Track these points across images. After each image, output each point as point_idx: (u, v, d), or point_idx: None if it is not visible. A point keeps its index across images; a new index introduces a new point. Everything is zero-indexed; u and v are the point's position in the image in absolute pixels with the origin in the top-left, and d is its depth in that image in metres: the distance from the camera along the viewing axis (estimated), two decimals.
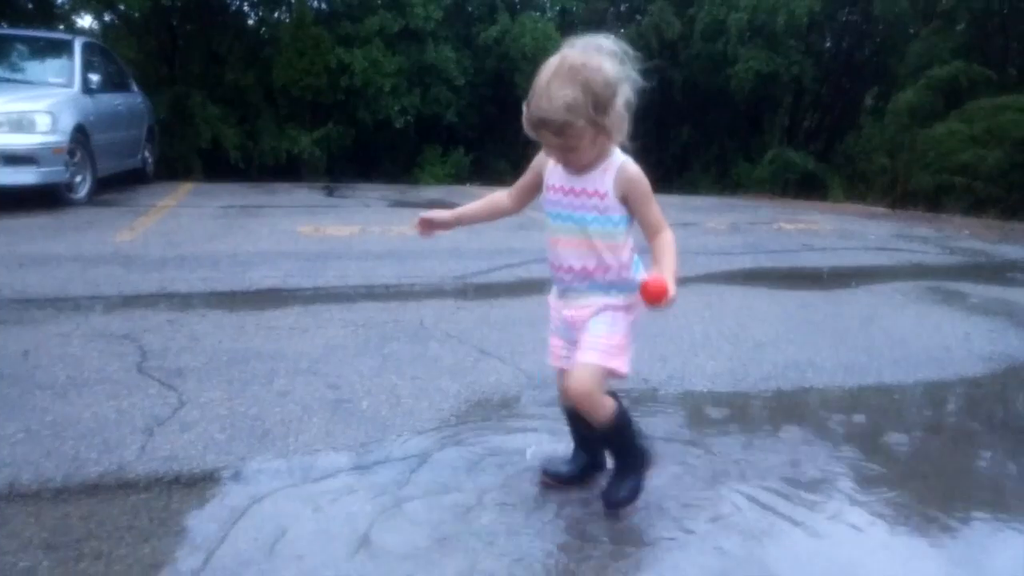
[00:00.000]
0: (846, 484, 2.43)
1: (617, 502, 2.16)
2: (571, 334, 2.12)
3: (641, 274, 2.05)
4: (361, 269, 5.24)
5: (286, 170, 14.03)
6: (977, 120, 12.86)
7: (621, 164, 1.98)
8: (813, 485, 2.41)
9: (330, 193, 10.54)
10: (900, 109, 14.16)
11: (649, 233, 2.04)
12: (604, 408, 2.05)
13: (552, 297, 2.18)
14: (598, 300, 2.06)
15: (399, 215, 8.34)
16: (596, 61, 1.85)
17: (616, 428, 2.09)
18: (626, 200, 1.99)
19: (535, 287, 4.97)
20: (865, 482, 2.45)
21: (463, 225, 2.29)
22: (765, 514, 2.21)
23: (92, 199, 7.94)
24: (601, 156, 1.97)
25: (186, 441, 2.52)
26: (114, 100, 9.14)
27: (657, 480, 2.34)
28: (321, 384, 3.07)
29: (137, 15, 14.71)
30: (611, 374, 2.04)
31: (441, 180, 14.58)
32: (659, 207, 2.03)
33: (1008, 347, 3.99)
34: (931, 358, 3.78)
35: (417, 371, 3.27)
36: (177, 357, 3.32)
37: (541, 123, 1.87)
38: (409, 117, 14.73)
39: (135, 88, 10.52)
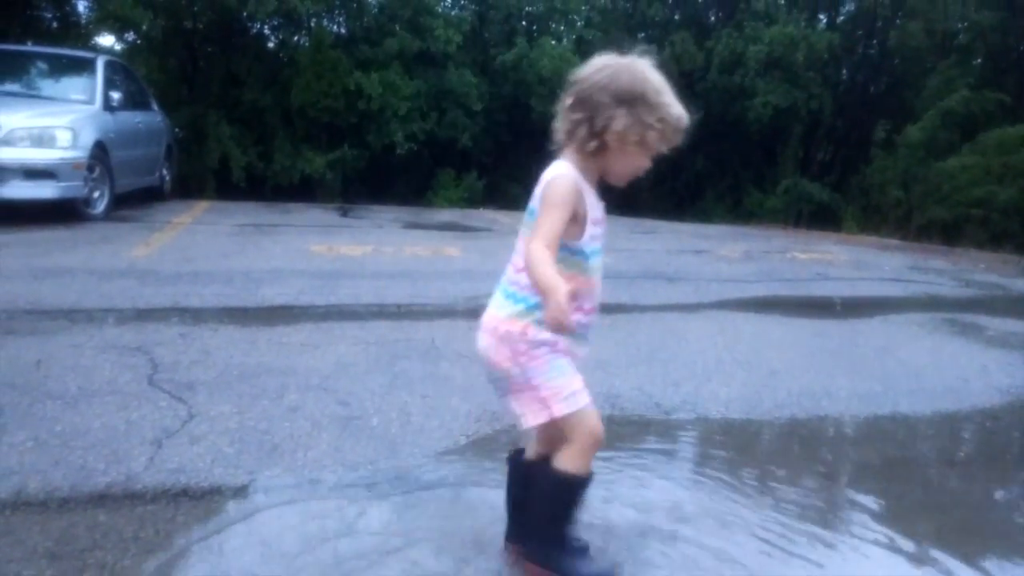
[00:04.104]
0: (862, 515, 2.39)
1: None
2: None
3: None
4: (373, 288, 5.24)
5: (300, 191, 14.12)
6: (991, 154, 12.83)
7: None
8: (828, 516, 2.37)
9: (344, 214, 10.59)
10: (914, 142, 14.17)
11: None
12: None
13: (572, 346, 1.85)
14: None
15: (412, 236, 8.36)
16: None
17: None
18: None
19: None
20: (881, 513, 2.41)
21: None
22: (777, 546, 2.16)
23: (109, 215, 7.99)
24: None
25: (195, 454, 2.51)
26: (134, 118, 9.24)
27: (669, 505, 2.30)
28: (331, 400, 3.05)
29: (159, 35, 14.94)
30: None
31: (454, 204, 14.64)
32: None
33: None
34: (948, 389, 3.73)
35: (428, 390, 3.25)
36: (188, 371, 3.31)
37: (684, 132, 1.82)
38: (413, 145, 14.76)
39: (155, 107, 10.63)
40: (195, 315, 4.29)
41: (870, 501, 2.48)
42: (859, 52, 18.15)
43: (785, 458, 2.93)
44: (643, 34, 18.93)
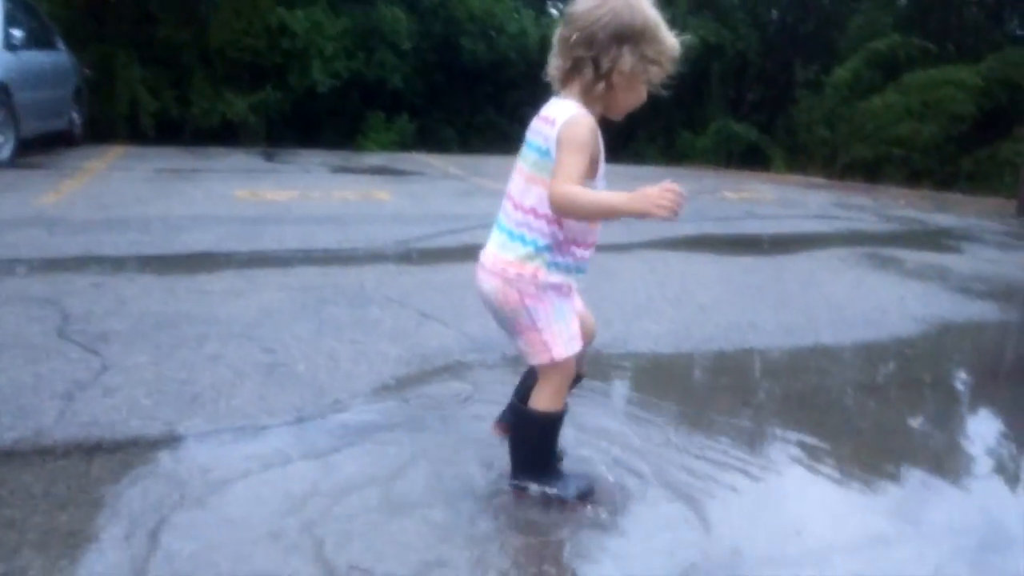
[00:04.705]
0: (785, 441, 2.44)
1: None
2: None
3: None
4: (300, 233, 5.10)
5: (222, 136, 13.58)
6: (914, 93, 13.11)
7: None
8: (753, 443, 2.41)
9: (269, 158, 10.27)
10: (839, 82, 14.37)
11: None
12: None
13: (568, 278, 1.88)
14: None
15: (341, 181, 8.16)
16: None
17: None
18: None
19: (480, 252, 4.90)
20: (804, 439, 2.46)
21: None
22: (706, 474, 2.19)
23: (15, 161, 7.57)
24: None
25: (109, 406, 2.40)
26: (38, 57, 8.70)
27: (602, 441, 2.31)
28: (255, 348, 2.96)
29: None
30: None
31: (386, 147, 14.30)
32: None
33: (940, 309, 4.07)
34: (867, 320, 3.83)
35: (356, 335, 3.18)
36: (101, 321, 3.17)
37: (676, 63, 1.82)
38: (335, 82, 14.28)
39: (61, 46, 10.03)
40: (109, 264, 4.10)
41: (793, 428, 2.54)
42: None
43: (712, 389, 2.97)
44: None
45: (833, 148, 14.08)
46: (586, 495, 2.00)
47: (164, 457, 2.13)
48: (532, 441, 2.00)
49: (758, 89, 19.22)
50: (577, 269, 1.90)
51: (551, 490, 1.98)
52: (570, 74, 1.80)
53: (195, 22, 14.02)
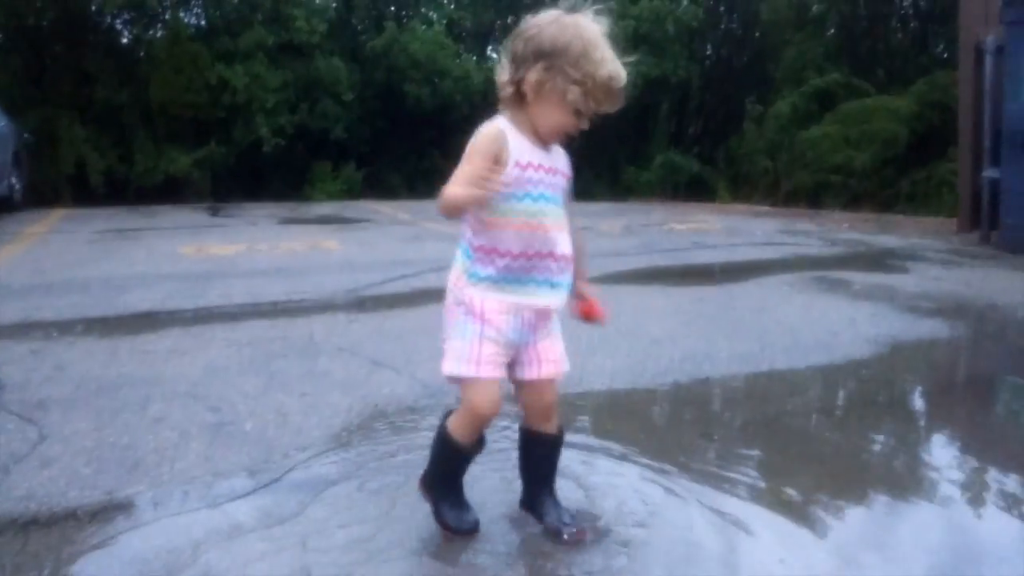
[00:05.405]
0: (746, 471, 2.41)
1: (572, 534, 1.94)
2: (525, 337, 1.88)
3: (584, 299, 1.99)
4: (247, 287, 5.01)
5: (167, 193, 13.41)
6: (850, 123, 13.55)
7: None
8: (711, 474, 2.39)
9: (214, 213, 10.15)
10: (780, 114, 14.79)
11: (568, 215, 1.96)
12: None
13: (501, 295, 1.83)
14: (566, 294, 1.93)
15: (288, 232, 8.08)
16: None
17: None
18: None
19: (431, 296, 4.85)
20: (762, 468, 2.44)
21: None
22: (661, 505, 2.16)
23: None
24: None
25: (46, 478, 2.29)
26: None
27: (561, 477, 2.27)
28: (200, 407, 2.87)
29: (0, 36, 13.89)
30: None
31: (333, 196, 14.26)
32: None
33: (891, 329, 4.13)
34: (820, 343, 3.87)
35: (306, 387, 3.10)
36: (39, 388, 3.05)
37: (618, 93, 1.81)
38: (280, 140, 14.25)
39: None
40: (48, 329, 3.97)
41: (753, 457, 2.52)
42: (722, 27, 18.75)
43: (670, 422, 2.95)
44: (512, 17, 18.94)
45: (775, 177, 14.43)
46: (467, 532, 1.94)
47: (104, 528, 2.03)
48: (438, 457, 1.99)
49: (699, 122, 19.66)
50: (508, 280, 1.82)
51: (439, 517, 1.96)
52: (500, 86, 1.85)
53: (134, 81, 13.94)
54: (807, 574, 1.86)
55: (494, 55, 18.36)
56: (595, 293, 2.02)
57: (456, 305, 1.86)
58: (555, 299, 1.89)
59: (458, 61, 16.16)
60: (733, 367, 3.48)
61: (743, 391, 3.25)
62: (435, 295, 4.78)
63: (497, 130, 1.81)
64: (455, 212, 1.79)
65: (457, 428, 1.91)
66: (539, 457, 2.01)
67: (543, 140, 1.86)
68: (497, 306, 1.83)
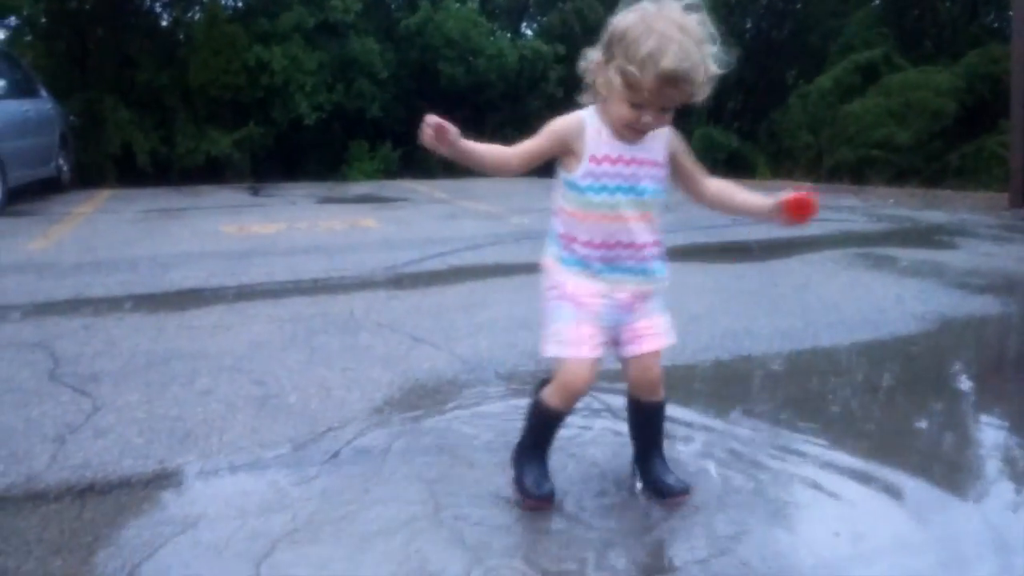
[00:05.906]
0: (789, 448, 2.40)
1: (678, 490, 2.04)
2: (620, 318, 1.93)
3: (782, 196, 1.92)
4: (288, 265, 5.07)
5: (208, 173, 13.60)
6: (895, 95, 13.24)
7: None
8: (756, 451, 2.38)
9: (255, 193, 10.27)
10: (823, 88, 14.51)
11: (701, 179, 2.03)
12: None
13: (591, 281, 1.89)
14: (662, 277, 1.98)
15: (327, 211, 8.15)
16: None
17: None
18: (673, 159, 1.94)
19: (468, 274, 4.89)
20: (808, 444, 2.42)
21: (462, 155, 1.93)
22: (711, 481, 2.16)
23: (4, 210, 7.55)
24: None
25: (100, 448, 2.36)
26: (21, 107, 8.73)
27: (608, 452, 2.28)
28: (246, 381, 2.92)
29: (43, 19, 14.13)
30: None
31: (371, 176, 14.33)
32: None
33: (939, 305, 4.05)
34: (865, 320, 3.81)
35: (348, 362, 3.14)
36: (92, 362, 3.13)
37: (681, 79, 1.67)
38: (321, 114, 14.37)
39: (44, 94, 10.05)
40: (99, 305, 4.07)
41: (797, 433, 2.50)
42: (763, 1, 18.42)
43: (712, 399, 2.94)
44: None
45: (817, 152, 14.16)
46: (541, 498, 1.97)
47: (158, 496, 2.09)
48: (530, 425, 2.06)
49: (739, 97, 19.37)
50: (597, 267, 1.88)
51: (518, 482, 2.01)
52: None
53: (175, 64, 14.11)
54: (861, 549, 1.85)
55: (528, 32, 18.24)
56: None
57: (550, 288, 1.93)
58: (648, 284, 1.95)
59: (492, 39, 16.07)
60: (775, 344, 3.45)
61: (785, 367, 3.22)
62: (471, 273, 4.84)
63: (576, 119, 1.84)
64: (469, 165, 1.96)
65: (554, 396, 1.96)
66: (645, 422, 2.10)
67: (618, 133, 1.83)
68: (587, 290, 1.89)
